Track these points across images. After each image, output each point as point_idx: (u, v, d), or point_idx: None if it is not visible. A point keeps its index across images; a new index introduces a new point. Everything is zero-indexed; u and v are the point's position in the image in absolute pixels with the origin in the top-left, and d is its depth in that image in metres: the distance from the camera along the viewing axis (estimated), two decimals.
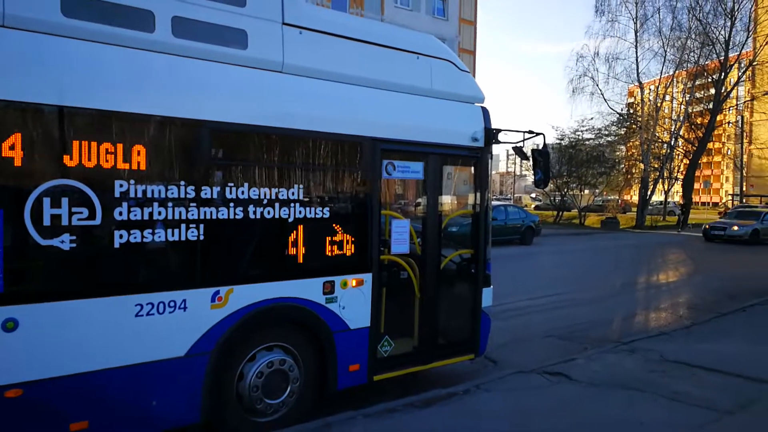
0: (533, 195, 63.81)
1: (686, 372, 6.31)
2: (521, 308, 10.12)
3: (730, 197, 58.50)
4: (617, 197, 47.66)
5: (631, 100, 45.42)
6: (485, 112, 5.97)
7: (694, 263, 18.67)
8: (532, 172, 6.40)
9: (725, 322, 8.96)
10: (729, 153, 61.66)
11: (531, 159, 6.31)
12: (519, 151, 6.45)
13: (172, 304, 4.09)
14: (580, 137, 37.53)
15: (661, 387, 5.77)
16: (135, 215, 3.91)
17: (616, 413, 5.15)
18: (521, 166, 57.01)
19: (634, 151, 41.19)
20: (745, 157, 51.74)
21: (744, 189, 50.71)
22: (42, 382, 3.63)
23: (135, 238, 3.92)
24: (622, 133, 40.41)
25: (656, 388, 5.75)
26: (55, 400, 3.69)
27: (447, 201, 6.14)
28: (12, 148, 3.48)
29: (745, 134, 50.79)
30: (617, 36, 44.32)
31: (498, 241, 15.10)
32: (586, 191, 39.87)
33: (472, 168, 6.06)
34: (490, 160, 6.11)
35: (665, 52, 37.07)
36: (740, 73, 41.60)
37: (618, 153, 41.40)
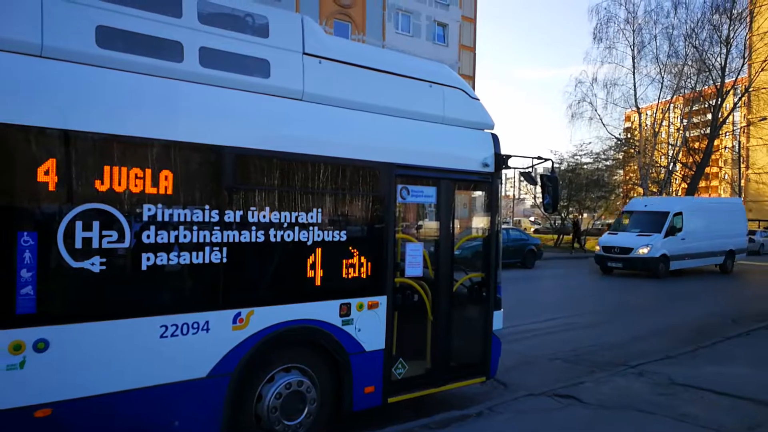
0: (532, 219, 64.01)
1: (694, 395, 6.37)
2: (527, 331, 10.19)
3: None
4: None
5: (629, 124, 45.89)
6: (495, 138, 6.13)
7: (695, 287, 18.72)
8: (542, 197, 6.54)
9: (730, 346, 9.03)
10: (726, 178, 62.06)
11: (540, 184, 6.45)
12: (527, 176, 6.59)
13: (195, 325, 4.18)
14: (579, 161, 37.87)
15: (670, 409, 5.84)
16: (162, 238, 4.02)
17: None
18: (520, 189, 57.26)
19: (632, 175, 41.54)
20: (742, 181, 52.08)
21: None
22: (71, 402, 3.70)
23: (161, 260, 4.02)
24: (620, 157, 40.76)
25: (666, 410, 5.82)
26: (82, 420, 3.76)
27: (458, 225, 6.25)
28: (47, 173, 3.60)
29: (742, 159, 51.23)
30: (615, 62, 44.86)
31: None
32: (585, 215, 40.05)
33: (483, 192, 6.20)
34: (500, 185, 6.25)
35: (662, 78, 37.60)
36: (736, 99, 42.13)
37: (616, 177, 41.72)
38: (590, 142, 60.96)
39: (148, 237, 3.96)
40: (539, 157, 6.30)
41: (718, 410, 5.88)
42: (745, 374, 7.27)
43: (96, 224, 3.76)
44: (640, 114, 38.21)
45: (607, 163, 39.39)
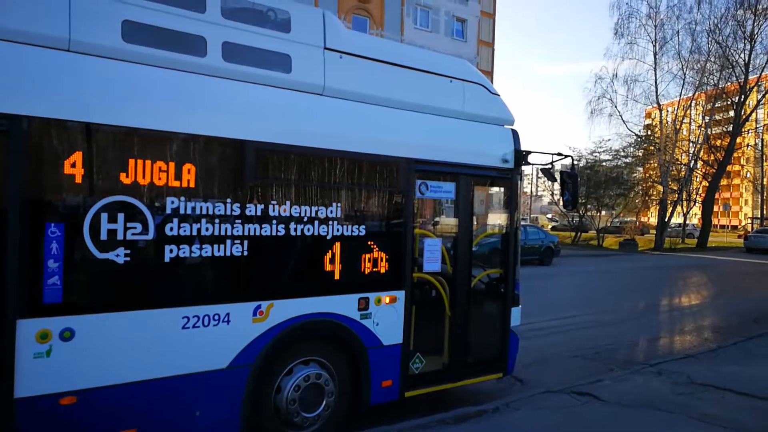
0: (550, 216, 63.58)
1: (715, 394, 6.31)
2: (545, 328, 10.15)
3: (749, 220, 57.91)
4: (635, 219, 47.41)
5: (649, 121, 45.38)
6: (515, 134, 6.10)
7: (716, 286, 18.51)
8: (561, 193, 6.50)
9: (751, 346, 8.91)
10: (748, 176, 61.14)
11: (560, 181, 6.41)
12: (547, 172, 6.55)
13: (216, 317, 4.23)
14: (598, 158, 37.55)
15: (690, 409, 5.79)
16: (184, 231, 4.07)
17: None
18: (537, 186, 56.99)
19: (651, 172, 41.08)
20: (765, 180, 51.27)
21: (764, 212, 50.15)
22: (95, 390, 3.77)
23: (184, 252, 4.07)
24: (640, 154, 40.35)
25: (685, 409, 5.76)
26: (106, 407, 3.83)
27: (477, 221, 6.24)
28: (73, 165, 3.66)
29: (764, 157, 50.41)
30: (636, 58, 44.66)
31: None
32: (604, 212, 39.74)
33: (502, 189, 6.19)
34: (519, 181, 6.23)
35: (684, 74, 37.17)
36: (760, 96, 41.47)
37: (636, 175, 41.31)
38: (609, 139, 60.86)
39: (171, 229, 4.02)
40: (559, 154, 6.26)
41: (739, 410, 5.81)
42: (766, 374, 7.17)
43: (121, 216, 3.82)
44: (661, 111, 37.79)
45: (627, 160, 39.06)
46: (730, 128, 40.14)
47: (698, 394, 6.29)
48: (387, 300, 5.15)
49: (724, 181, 51.18)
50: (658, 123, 39.19)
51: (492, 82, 45.61)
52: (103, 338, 3.80)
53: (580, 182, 35.25)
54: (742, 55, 37.89)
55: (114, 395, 3.84)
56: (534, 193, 68.69)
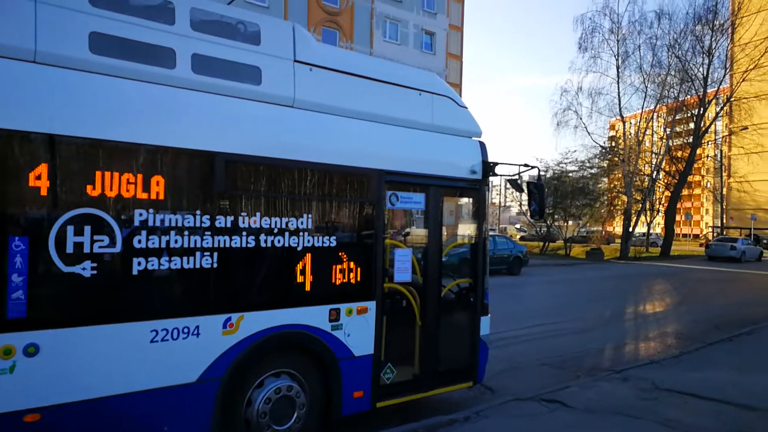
0: (518, 226, 64.37)
1: (678, 399, 6.47)
2: (514, 337, 10.26)
3: (710, 229, 59.56)
4: (601, 228, 48.35)
5: (613, 133, 46.48)
6: (483, 145, 6.21)
7: (678, 294, 18.97)
8: (528, 204, 6.63)
9: (712, 351, 9.16)
10: (709, 186, 62.95)
11: (527, 191, 6.54)
12: (514, 183, 6.66)
13: (186, 330, 4.20)
14: (564, 169, 38.24)
15: (654, 414, 5.92)
16: (153, 243, 4.04)
17: None
18: (506, 197, 57.68)
19: (616, 183, 42.02)
20: (724, 190, 52.87)
21: (724, 221, 51.68)
22: (60, 407, 3.70)
23: (152, 265, 4.04)
24: (605, 165, 41.26)
25: (650, 415, 5.90)
26: (72, 424, 3.76)
27: (447, 231, 6.32)
28: (38, 178, 3.61)
29: (724, 168, 52.02)
30: (600, 71, 45.70)
31: None
32: (570, 222, 40.48)
33: (471, 199, 6.28)
34: (487, 192, 6.33)
35: (646, 87, 38.24)
36: (718, 109, 42.92)
37: (601, 185, 42.21)
38: (575, 150, 62.08)
39: (139, 242, 3.98)
40: (526, 165, 6.39)
41: (702, 415, 5.98)
42: (727, 379, 7.39)
43: (87, 229, 3.77)
44: (624, 123, 38.75)
45: (592, 171, 39.84)
46: (691, 140, 41.37)
47: (662, 400, 6.44)
48: (358, 311, 5.17)
49: (685, 191, 52.58)
50: (621, 135, 40.14)
51: (460, 94, 46.12)
52: (68, 353, 3.73)
53: (547, 193, 35.99)
54: (701, 69, 39.20)
55: (80, 411, 3.77)
56: (503, 204, 69.50)
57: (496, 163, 6.21)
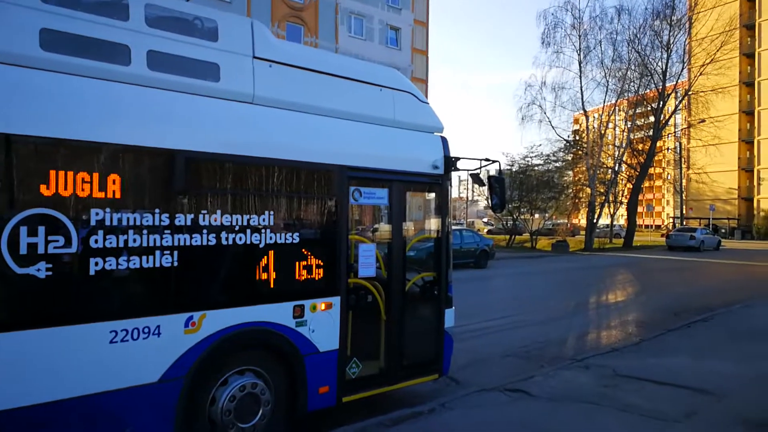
0: (485, 219, 65.14)
1: (636, 385, 6.66)
2: (479, 329, 10.41)
3: (671, 220, 61.16)
4: (566, 221, 49.22)
5: (577, 127, 47.30)
6: (444, 141, 6.28)
7: (640, 283, 19.46)
8: (489, 197, 6.73)
9: (671, 338, 9.45)
10: (669, 178, 64.62)
11: (488, 185, 6.63)
12: (476, 177, 6.76)
13: (146, 330, 4.15)
14: (530, 163, 38.80)
15: (613, 400, 6.09)
16: (110, 243, 3.98)
17: (575, 425, 5.42)
18: (473, 191, 58.21)
19: (581, 176, 42.80)
20: (684, 181, 54.29)
21: (684, 212, 53.13)
22: (15, 411, 3.62)
23: (110, 265, 3.98)
24: (570, 159, 41.98)
25: (609, 401, 6.07)
26: (29, 428, 3.69)
27: (410, 226, 6.37)
28: None
29: (683, 160, 53.40)
30: (563, 66, 46.37)
31: (453, 265, 15.40)
32: (537, 215, 41.13)
33: (433, 194, 6.34)
34: (449, 187, 6.40)
35: (607, 82, 39.01)
36: (677, 102, 44.05)
37: (566, 178, 42.94)
38: (540, 144, 63.02)
39: (96, 242, 3.92)
40: (487, 159, 6.48)
41: (659, 399, 6.17)
42: (684, 364, 7.63)
43: (41, 229, 3.70)
44: (587, 117, 39.47)
45: (557, 164, 40.49)
46: (651, 133, 42.37)
47: (622, 386, 6.63)
48: (322, 306, 5.18)
49: (647, 183, 53.90)
50: (584, 129, 40.88)
51: (427, 89, 46.39)
52: (24, 356, 3.66)
53: (513, 186, 36.52)
54: (659, 64, 40.18)
55: (36, 415, 3.70)
56: (470, 198, 70.12)
57: (458, 158, 6.28)
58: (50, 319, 3.79)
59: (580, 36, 38.52)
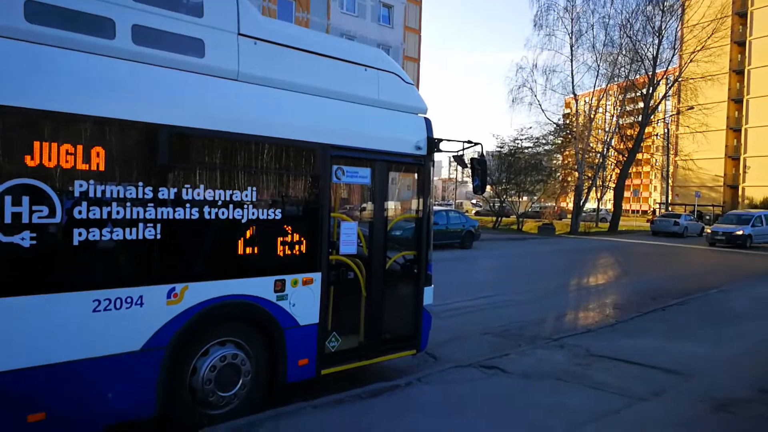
0: (474, 201, 65.36)
1: (608, 364, 6.88)
2: (460, 308, 10.61)
3: (657, 206, 61.80)
4: (554, 204, 49.56)
5: (567, 110, 47.40)
6: (428, 122, 6.37)
7: (621, 267, 19.78)
8: (471, 179, 6.84)
9: (646, 320, 9.70)
10: (657, 164, 65.08)
11: (470, 167, 6.74)
12: (459, 159, 6.86)
13: (129, 300, 4.26)
14: (519, 146, 38.90)
15: (585, 378, 6.31)
16: (94, 214, 4.06)
17: (544, 400, 5.61)
18: (462, 173, 58.40)
19: (569, 159, 43.00)
20: (671, 168, 54.74)
21: (670, 198, 53.65)
22: (1, 374, 3.73)
23: (94, 236, 4.07)
24: (559, 142, 42.14)
25: (581, 378, 6.28)
26: (13, 392, 3.80)
27: (392, 205, 6.48)
28: None
29: (671, 146, 53.76)
30: (554, 49, 46.49)
31: (439, 245, 15.50)
32: (524, 198, 41.37)
33: (416, 175, 6.45)
34: (432, 168, 6.50)
35: (598, 66, 39.00)
36: (667, 89, 44.18)
37: (555, 161, 43.14)
38: (530, 127, 62.94)
39: (80, 213, 4.00)
40: (469, 141, 6.58)
41: (628, 378, 6.38)
42: (656, 346, 7.87)
43: (26, 200, 3.77)
44: (577, 100, 39.52)
45: (546, 147, 40.64)
46: (640, 118, 42.57)
47: (594, 365, 6.84)
48: (303, 282, 5.30)
49: (634, 169, 54.24)
50: (574, 113, 40.99)
51: (418, 69, 46.19)
52: (8, 323, 3.76)
53: (502, 168, 36.67)
54: (650, 49, 40.21)
55: (20, 379, 3.81)
56: (459, 180, 70.33)
57: (441, 140, 6.38)
58: (34, 287, 3.89)
59: (572, 19, 38.42)
